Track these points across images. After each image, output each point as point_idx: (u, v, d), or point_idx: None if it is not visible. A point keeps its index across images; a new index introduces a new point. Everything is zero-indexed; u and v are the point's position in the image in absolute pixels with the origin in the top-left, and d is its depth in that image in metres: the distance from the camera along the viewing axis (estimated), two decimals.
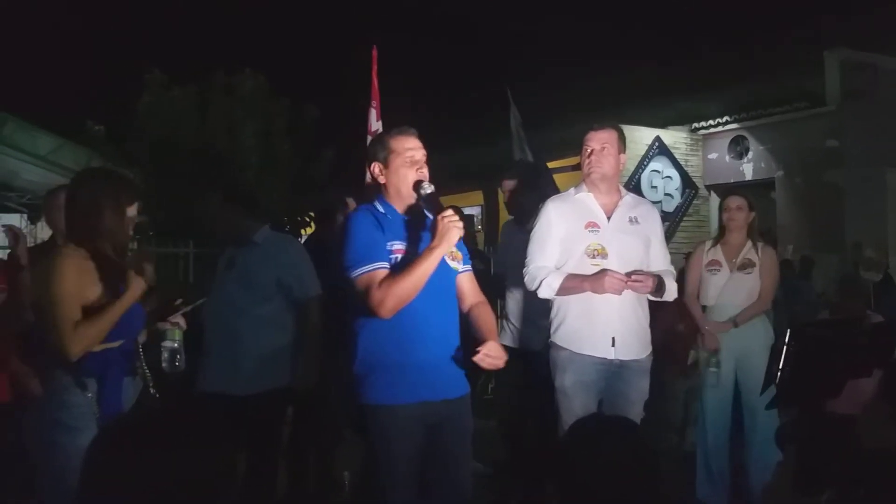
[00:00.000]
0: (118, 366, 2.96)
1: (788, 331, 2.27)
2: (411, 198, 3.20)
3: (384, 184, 3.22)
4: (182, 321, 3.26)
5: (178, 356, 3.19)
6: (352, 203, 5.42)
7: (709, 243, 5.07)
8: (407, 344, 3.07)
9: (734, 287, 4.84)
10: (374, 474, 3.15)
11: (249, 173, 10.29)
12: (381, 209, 3.20)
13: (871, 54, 12.54)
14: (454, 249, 3.20)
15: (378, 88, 7.84)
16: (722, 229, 5.00)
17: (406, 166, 3.17)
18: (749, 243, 4.91)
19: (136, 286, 3.00)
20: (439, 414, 3.12)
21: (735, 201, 4.92)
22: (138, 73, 10.82)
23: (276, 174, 10.91)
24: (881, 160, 12.30)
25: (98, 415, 2.84)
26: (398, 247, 3.13)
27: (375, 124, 7.67)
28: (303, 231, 11.55)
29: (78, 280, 2.87)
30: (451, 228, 3.01)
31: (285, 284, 4.21)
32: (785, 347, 2.20)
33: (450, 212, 3.06)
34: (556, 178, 9.18)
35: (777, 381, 2.19)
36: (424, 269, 3.01)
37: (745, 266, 4.85)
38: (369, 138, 7.61)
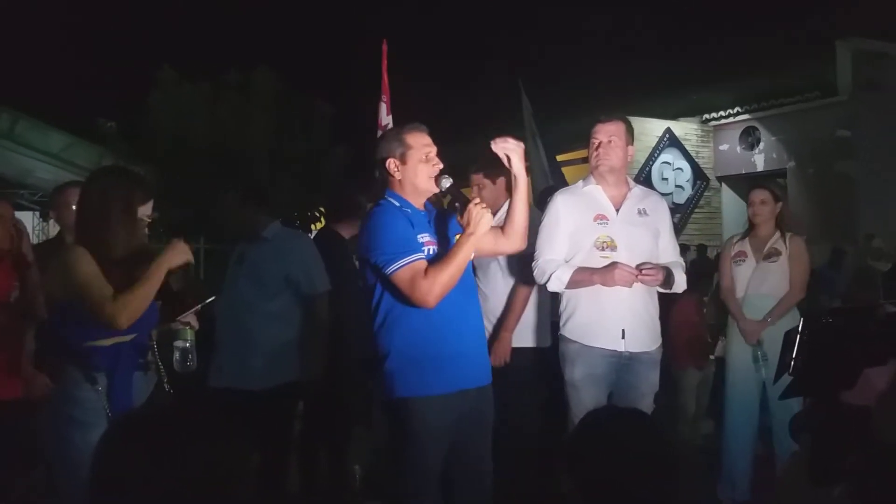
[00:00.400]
0: (129, 360, 2.95)
1: (801, 319, 2.27)
2: (427, 192, 3.25)
3: (398, 179, 3.24)
4: (194, 320, 3.24)
5: (190, 356, 3.17)
6: (364, 202, 5.43)
7: (737, 237, 5.03)
8: (445, 334, 3.13)
9: (760, 277, 4.78)
10: (403, 464, 3.17)
11: (261, 169, 10.32)
12: (397, 204, 3.23)
13: (884, 43, 12.46)
14: None
15: (388, 83, 7.84)
16: (750, 223, 4.96)
17: (423, 161, 3.21)
18: (777, 234, 4.84)
19: (176, 252, 3.01)
20: (470, 402, 3.20)
21: (759, 195, 4.87)
22: (150, 70, 10.88)
23: (288, 170, 10.95)
24: (893, 150, 12.23)
25: (108, 410, 2.85)
26: (428, 239, 3.19)
27: (386, 119, 7.66)
28: (313, 226, 11.59)
29: (92, 265, 2.88)
30: (485, 214, 3.07)
31: (293, 280, 4.23)
32: (798, 336, 2.19)
33: (477, 200, 3.14)
34: (567, 170, 9.17)
35: (791, 370, 2.19)
36: (465, 256, 3.11)
37: (771, 255, 4.79)
38: (380, 132, 7.63)
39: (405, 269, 3.04)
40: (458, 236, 3.17)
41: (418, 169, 3.21)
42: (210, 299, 3.39)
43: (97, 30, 17.85)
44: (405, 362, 3.15)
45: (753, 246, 4.87)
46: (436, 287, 3.02)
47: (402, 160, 3.21)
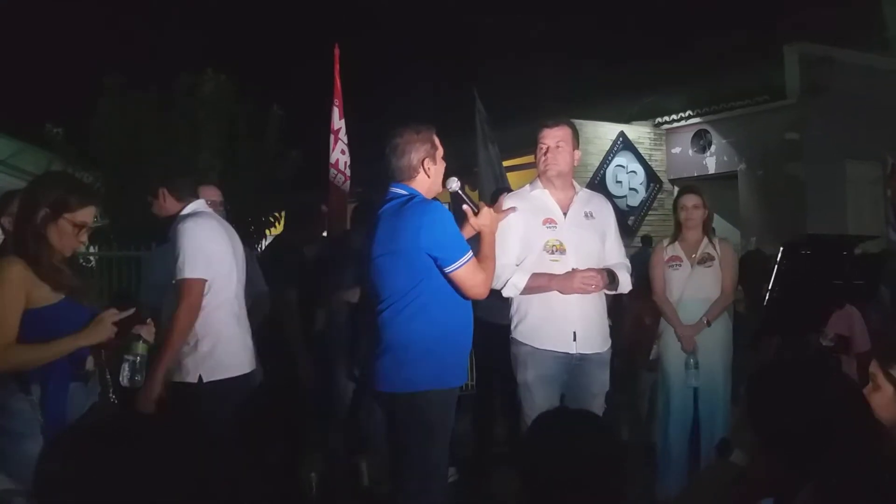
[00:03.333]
0: (63, 371, 2.90)
1: (781, 248, 2.24)
2: (438, 191, 3.40)
3: (428, 179, 3.33)
4: (148, 333, 3.13)
5: (138, 370, 3.07)
6: (325, 209, 5.43)
7: (666, 241, 5.09)
8: (463, 330, 3.34)
9: (697, 281, 4.86)
10: (417, 457, 3.20)
11: (213, 174, 10.22)
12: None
13: (830, 48, 12.71)
14: None
15: (341, 87, 7.82)
16: (678, 226, 5.02)
17: (443, 162, 3.37)
18: (705, 239, 4.94)
19: (96, 333, 2.94)
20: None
21: (691, 200, 4.94)
22: (98, 74, 10.71)
23: (239, 175, 10.85)
24: (840, 152, 12.48)
25: (42, 420, 2.80)
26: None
27: (338, 123, 7.65)
28: (268, 231, 11.50)
29: (18, 291, 2.82)
30: (497, 217, 3.41)
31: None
32: (776, 266, 2.18)
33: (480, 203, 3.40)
34: (515, 175, 9.23)
35: (766, 303, 2.19)
36: (493, 251, 3.37)
37: (705, 260, 4.88)
38: (332, 137, 7.61)
39: (469, 263, 3.20)
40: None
41: (441, 169, 3.37)
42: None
43: (43, 35, 17.56)
44: (423, 354, 3.19)
45: (686, 251, 4.94)
46: (488, 280, 3.31)
47: (434, 160, 3.33)
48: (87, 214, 3.02)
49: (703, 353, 4.79)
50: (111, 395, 3.07)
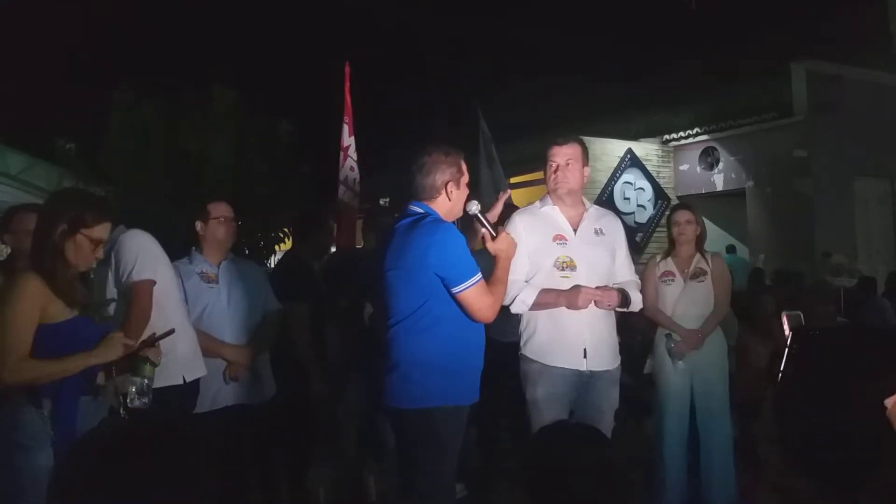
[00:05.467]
0: (74, 385, 2.92)
1: (791, 333, 2.27)
2: (459, 215, 3.43)
3: (439, 201, 3.35)
4: (155, 355, 3.14)
5: (145, 393, 3.05)
6: (333, 224, 5.46)
7: (659, 256, 5.16)
8: (475, 348, 3.35)
9: (689, 296, 4.92)
10: (424, 474, 3.22)
11: (223, 189, 10.26)
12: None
13: (837, 65, 12.74)
14: None
15: (351, 104, 7.88)
16: (672, 242, 5.09)
17: (466, 189, 3.40)
18: (697, 254, 5.01)
19: (107, 352, 2.97)
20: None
21: (684, 215, 5.03)
22: (109, 90, 10.77)
23: (250, 191, 10.87)
24: (848, 169, 12.49)
25: (52, 434, 2.81)
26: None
27: (348, 140, 7.70)
28: (277, 247, 11.52)
29: (33, 305, 2.85)
30: (514, 242, 3.41)
31: None
32: (787, 349, 2.20)
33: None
34: (521, 192, 9.24)
35: (779, 380, 2.22)
36: (507, 276, 3.37)
37: (698, 275, 4.95)
38: (342, 154, 7.66)
39: (477, 286, 3.21)
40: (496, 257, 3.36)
41: (463, 193, 3.39)
42: (170, 331, 3.29)
43: (55, 50, 17.70)
44: (433, 371, 3.22)
45: (678, 266, 5.01)
46: (497, 303, 3.30)
47: (457, 185, 3.36)
48: (104, 230, 3.06)
49: (700, 365, 4.84)
50: (122, 411, 3.06)
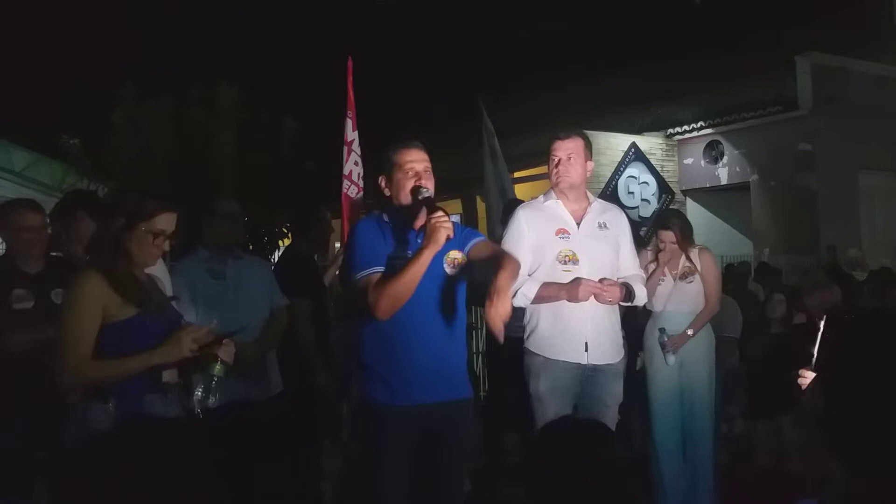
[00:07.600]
0: (140, 381, 2.83)
1: (825, 317, 2.25)
2: (411, 207, 3.26)
3: (388, 196, 3.32)
4: (227, 353, 2.96)
5: (212, 392, 2.92)
6: (328, 216, 5.45)
7: (650, 255, 5.20)
8: (402, 346, 3.16)
9: (679, 296, 5.02)
10: (366, 472, 3.21)
11: (227, 185, 10.26)
12: (385, 218, 3.31)
13: (842, 58, 12.69)
14: (458, 255, 3.26)
15: (354, 99, 7.86)
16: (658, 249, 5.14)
17: (406, 178, 3.24)
18: (683, 257, 5.07)
19: (172, 352, 2.85)
20: (435, 417, 3.17)
21: (668, 236, 5.05)
22: (112, 86, 10.77)
23: (254, 187, 10.87)
24: (853, 162, 12.46)
25: None
26: (403, 253, 3.19)
27: (351, 135, 7.68)
28: (280, 242, 11.52)
29: (95, 306, 2.78)
30: (439, 228, 3.05)
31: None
32: (820, 335, 2.19)
33: (439, 213, 3.10)
34: (526, 186, 9.23)
35: (813, 367, 2.21)
36: (415, 271, 3.07)
37: (686, 275, 5.03)
38: (345, 149, 7.66)
39: (362, 280, 3.13)
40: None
41: (400, 184, 3.26)
42: (240, 328, 3.22)
43: (58, 46, 17.71)
44: (368, 370, 3.22)
45: (668, 266, 5.08)
46: (382, 299, 3.07)
47: (389, 177, 3.30)
48: (166, 221, 2.95)
49: (688, 360, 4.95)
50: (197, 410, 2.94)
